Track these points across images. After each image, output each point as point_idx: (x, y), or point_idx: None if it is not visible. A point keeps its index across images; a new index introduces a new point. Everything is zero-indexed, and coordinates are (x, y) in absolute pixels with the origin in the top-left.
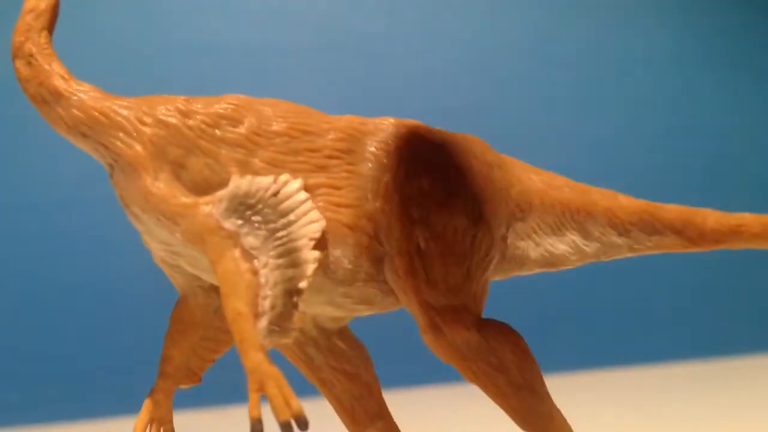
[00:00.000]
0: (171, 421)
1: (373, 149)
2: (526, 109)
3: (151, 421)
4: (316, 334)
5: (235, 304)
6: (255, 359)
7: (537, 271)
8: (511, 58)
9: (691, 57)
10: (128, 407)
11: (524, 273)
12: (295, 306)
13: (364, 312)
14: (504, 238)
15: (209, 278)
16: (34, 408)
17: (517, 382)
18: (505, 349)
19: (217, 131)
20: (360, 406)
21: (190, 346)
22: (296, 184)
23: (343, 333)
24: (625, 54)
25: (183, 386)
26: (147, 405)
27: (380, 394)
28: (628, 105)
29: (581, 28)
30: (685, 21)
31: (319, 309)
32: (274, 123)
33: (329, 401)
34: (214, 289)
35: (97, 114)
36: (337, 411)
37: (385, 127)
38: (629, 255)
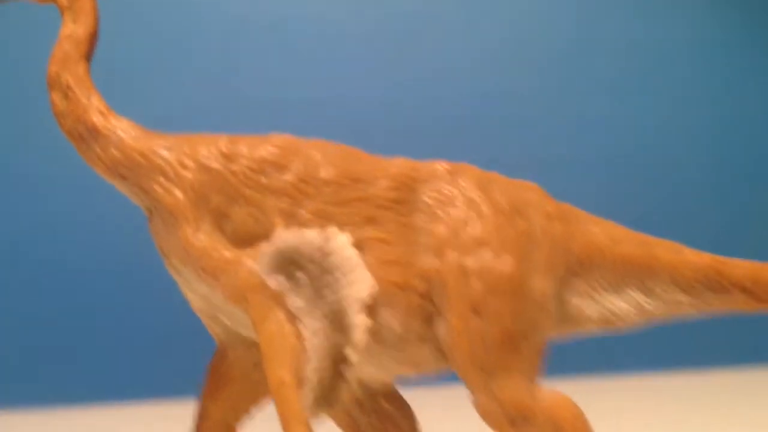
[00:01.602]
0: None
1: (426, 199)
2: (565, 95)
3: None
4: (361, 395)
5: (279, 372)
6: None
7: (596, 328)
8: (550, 44)
9: (739, 43)
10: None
11: (583, 330)
12: (342, 375)
13: (412, 373)
14: (561, 296)
15: (250, 335)
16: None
17: None
18: (561, 420)
19: (262, 178)
20: None
21: (229, 401)
22: (344, 238)
23: (389, 393)
24: (668, 40)
25: None
26: None
27: None
28: (673, 92)
29: (622, 12)
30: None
31: (365, 369)
32: (323, 170)
33: None
34: (255, 344)
35: (136, 155)
36: None
37: (438, 173)
38: (694, 313)
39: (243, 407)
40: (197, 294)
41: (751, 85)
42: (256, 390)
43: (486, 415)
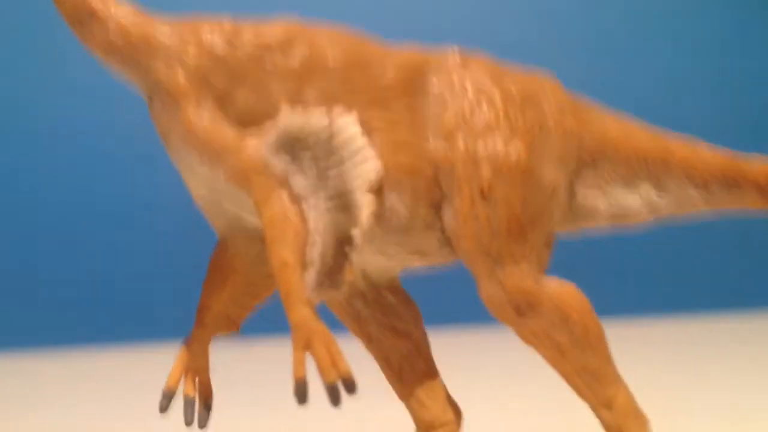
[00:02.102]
0: (207, 371)
1: (435, 85)
2: (569, 52)
3: (186, 371)
4: (364, 286)
5: (282, 253)
6: (301, 314)
7: (605, 224)
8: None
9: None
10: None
11: (593, 226)
12: (347, 256)
13: (417, 263)
14: (572, 186)
15: (253, 219)
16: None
17: (580, 343)
18: (568, 308)
19: (267, 61)
20: (408, 365)
21: (230, 294)
22: (351, 118)
23: (393, 287)
24: None
25: (220, 334)
26: (182, 355)
27: (430, 353)
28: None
29: None
30: None
31: (369, 258)
32: (330, 53)
33: (375, 358)
34: (257, 233)
35: (136, 39)
36: (383, 368)
37: (448, 59)
38: (705, 209)
39: (245, 301)
40: (199, 179)
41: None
42: (258, 284)
43: (490, 303)
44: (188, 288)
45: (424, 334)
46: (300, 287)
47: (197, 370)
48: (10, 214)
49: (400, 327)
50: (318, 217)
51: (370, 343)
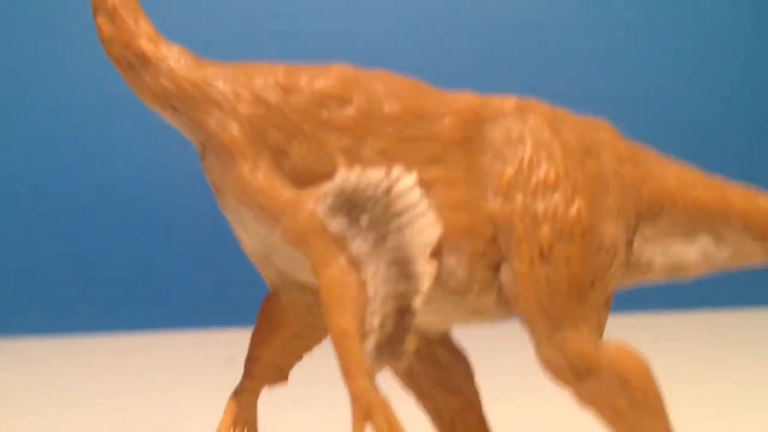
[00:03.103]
0: (256, 423)
1: (493, 138)
2: (583, 31)
3: (235, 423)
4: (418, 342)
5: (340, 321)
6: (361, 385)
7: (660, 277)
8: None
9: None
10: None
11: (647, 280)
12: (408, 327)
13: (473, 322)
14: (630, 243)
15: (308, 279)
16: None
17: (639, 408)
18: (627, 372)
19: (323, 113)
20: (460, 420)
21: (280, 345)
22: (410, 179)
23: (447, 342)
24: None
25: (269, 386)
26: (231, 406)
27: (482, 408)
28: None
29: None
30: None
31: (424, 318)
32: (386, 104)
33: (426, 412)
34: (309, 287)
35: (189, 86)
36: (434, 423)
37: (506, 110)
38: (762, 260)
39: (295, 352)
40: (252, 235)
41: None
42: (309, 335)
43: (549, 366)
44: (199, 276)
45: (477, 390)
46: (360, 357)
47: (246, 421)
48: (21, 201)
49: (452, 383)
50: (377, 284)
51: (422, 398)
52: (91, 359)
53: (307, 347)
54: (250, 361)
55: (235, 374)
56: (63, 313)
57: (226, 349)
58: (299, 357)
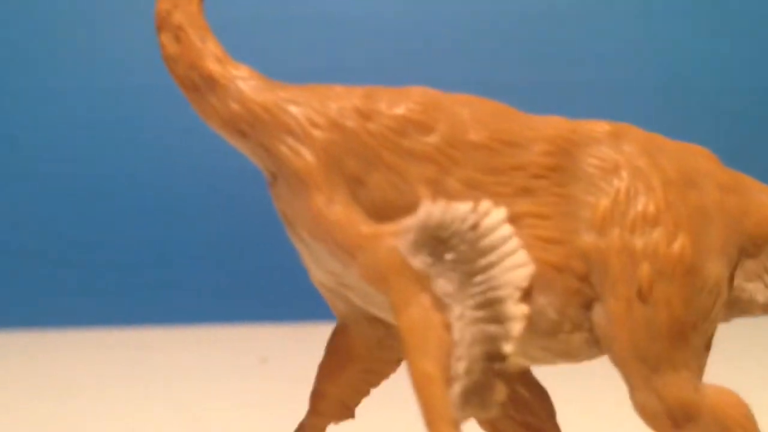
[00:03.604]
0: None
1: (586, 166)
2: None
3: None
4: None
5: (423, 364)
6: None
7: (761, 314)
8: None
9: None
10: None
11: (746, 316)
12: (498, 374)
13: (560, 363)
14: (731, 279)
15: (382, 315)
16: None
17: None
18: (729, 419)
19: (404, 140)
20: None
21: (348, 381)
22: (500, 214)
23: (526, 378)
24: None
25: (335, 423)
26: None
27: None
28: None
29: None
30: None
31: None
32: (472, 131)
33: None
34: (379, 319)
35: (259, 110)
36: None
37: (599, 136)
38: None
39: (363, 388)
40: (323, 269)
41: None
42: (378, 370)
43: (645, 413)
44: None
45: (558, 430)
46: (444, 405)
47: None
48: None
49: (533, 423)
50: (464, 327)
51: None
52: (127, 353)
53: (376, 383)
54: (317, 396)
55: (266, 373)
56: (100, 305)
57: (261, 345)
58: (366, 393)
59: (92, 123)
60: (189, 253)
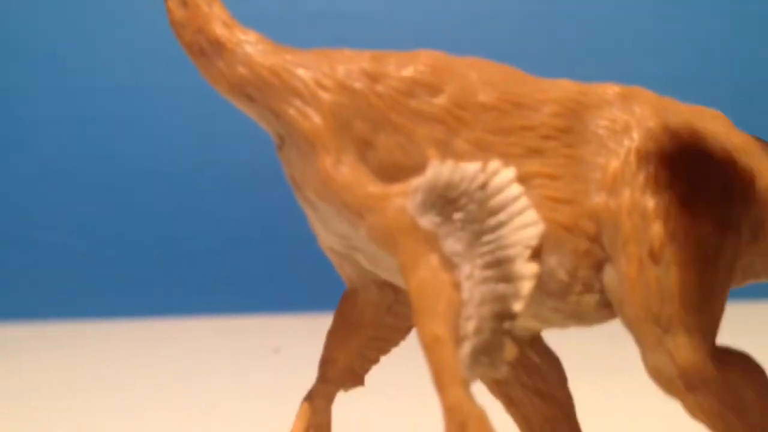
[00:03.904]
0: (330, 428)
1: (596, 128)
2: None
3: (308, 428)
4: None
5: (432, 326)
6: (455, 395)
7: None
8: None
9: None
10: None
11: (758, 281)
12: (507, 333)
13: (571, 326)
14: (746, 245)
15: (391, 278)
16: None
17: (753, 423)
18: (745, 386)
19: (412, 102)
20: (551, 429)
21: (357, 347)
22: (509, 174)
23: (537, 344)
24: None
25: (344, 390)
26: (304, 410)
27: (575, 415)
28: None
29: None
30: None
31: (519, 324)
32: (481, 92)
33: (516, 420)
34: (389, 284)
35: (267, 73)
36: (523, 431)
37: (610, 98)
38: None
39: (372, 355)
40: (331, 231)
41: None
42: (388, 337)
43: (657, 375)
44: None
45: (570, 396)
46: (454, 365)
47: (320, 427)
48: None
49: (544, 389)
50: (473, 287)
51: (510, 404)
52: (141, 344)
53: (385, 350)
54: (326, 363)
55: (279, 364)
56: (114, 296)
57: (273, 335)
58: (376, 360)
59: (98, 118)
60: (202, 244)
